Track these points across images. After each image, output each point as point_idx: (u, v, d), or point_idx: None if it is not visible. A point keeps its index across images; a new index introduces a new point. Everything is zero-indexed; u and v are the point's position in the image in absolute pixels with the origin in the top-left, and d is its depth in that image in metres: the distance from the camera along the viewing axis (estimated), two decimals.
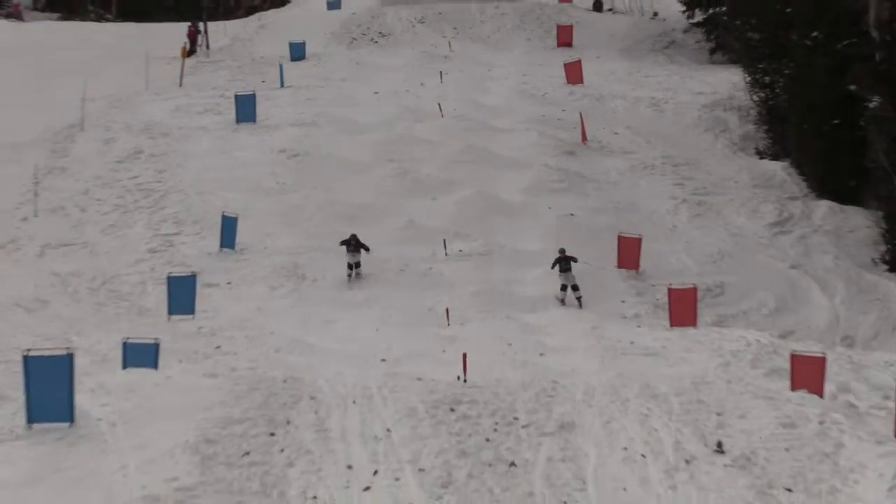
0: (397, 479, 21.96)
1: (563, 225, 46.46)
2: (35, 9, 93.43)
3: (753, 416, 24.43)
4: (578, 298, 40.50)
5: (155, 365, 30.42)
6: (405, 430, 24.15)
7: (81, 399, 24.88)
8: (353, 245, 42.53)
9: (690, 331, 36.31)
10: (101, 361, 32.25)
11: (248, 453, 22.82)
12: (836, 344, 38.33)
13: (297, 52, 67.15)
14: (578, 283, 40.69)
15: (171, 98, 59.72)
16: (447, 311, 38.76)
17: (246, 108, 55.84)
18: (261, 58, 67.22)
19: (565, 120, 56.03)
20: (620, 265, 43.85)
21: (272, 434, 23.74)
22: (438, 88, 60.29)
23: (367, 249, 42.60)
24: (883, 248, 45.73)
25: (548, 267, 41.02)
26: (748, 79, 58.37)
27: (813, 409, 24.69)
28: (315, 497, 21.26)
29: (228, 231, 44.30)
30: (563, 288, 40.76)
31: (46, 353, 25.01)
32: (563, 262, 40.92)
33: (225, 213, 44.73)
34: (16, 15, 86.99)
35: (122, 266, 43.07)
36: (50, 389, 23.76)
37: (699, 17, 73.29)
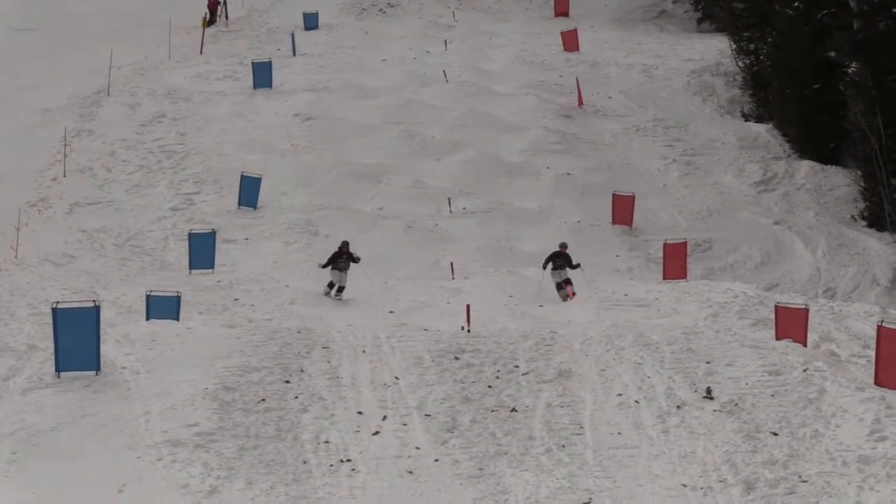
0: (405, 424, 21.80)
1: (560, 184, 46.28)
2: None
3: (740, 363, 24.24)
4: (569, 295, 34.37)
5: (176, 316, 30.33)
6: (412, 377, 23.99)
7: (107, 349, 24.71)
8: (345, 258, 35.25)
9: (681, 283, 36.11)
10: (126, 313, 32.06)
11: (264, 400, 22.64)
12: (818, 296, 38.17)
13: (311, 21, 66.73)
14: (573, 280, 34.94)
15: (192, 65, 59.35)
16: (451, 265, 38.53)
17: (262, 75, 55.68)
18: (276, 27, 66.67)
19: (562, 85, 55.77)
20: (615, 222, 43.72)
21: (287, 382, 23.55)
22: (443, 56, 59.96)
23: (357, 261, 35.52)
24: (861, 205, 45.63)
25: (546, 227, 40.17)
26: (734, 46, 58.07)
27: (797, 358, 24.49)
28: (327, 441, 21.07)
29: (250, 190, 44.04)
30: (559, 286, 34.71)
31: (74, 305, 24.80)
32: (557, 260, 35.03)
33: (246, 174, 44.39)
34: None
35: (146, 223, 42.90)
36: (77, 340, 23.59)
37: None
